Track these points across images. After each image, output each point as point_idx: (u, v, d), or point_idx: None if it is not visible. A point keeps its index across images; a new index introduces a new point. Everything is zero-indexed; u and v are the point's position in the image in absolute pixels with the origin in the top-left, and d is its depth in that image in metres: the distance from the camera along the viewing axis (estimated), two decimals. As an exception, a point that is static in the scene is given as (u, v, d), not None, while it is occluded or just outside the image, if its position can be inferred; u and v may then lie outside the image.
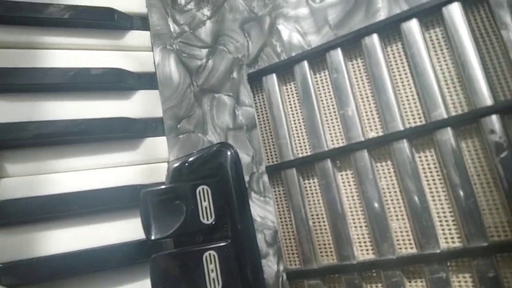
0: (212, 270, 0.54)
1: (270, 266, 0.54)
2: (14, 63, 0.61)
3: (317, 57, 0.55)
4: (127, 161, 0.64)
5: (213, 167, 0.59)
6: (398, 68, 0.50)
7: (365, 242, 0.50)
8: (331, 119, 0.53)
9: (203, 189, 0.57)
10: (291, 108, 0.56)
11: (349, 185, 0.51)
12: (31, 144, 0.59)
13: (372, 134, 0.50)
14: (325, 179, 0.52)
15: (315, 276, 0.51)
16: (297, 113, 0.56)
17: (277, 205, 0.56)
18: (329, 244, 0.52)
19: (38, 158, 0.60)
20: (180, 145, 0.64)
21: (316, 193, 0.53)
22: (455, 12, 0.46)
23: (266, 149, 0.58)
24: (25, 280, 0.54)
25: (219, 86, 0.61)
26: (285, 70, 0.57)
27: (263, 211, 0.55)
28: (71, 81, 0.63)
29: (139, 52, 0.70)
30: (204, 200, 0.57)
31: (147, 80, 0.69)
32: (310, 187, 0.54)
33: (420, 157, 0.47)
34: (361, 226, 0.50)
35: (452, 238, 0.44)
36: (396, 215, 0.48)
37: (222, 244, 0.55)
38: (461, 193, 0.44)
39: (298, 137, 0.55)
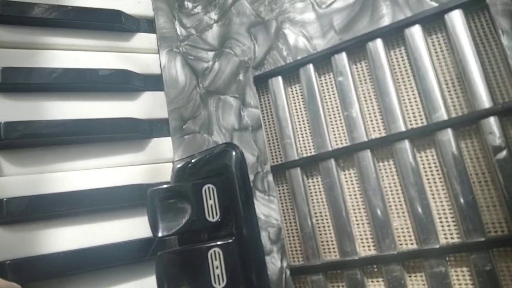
0: (217, 267, 0.55)
1: (274, 263, 0.55)
2: (23, 63, 0.62)
3: (323, 61, 0.56)
4: (132, 161, 0.66)
5: (218, 166, 0.60)
6: (401, 71, 0.52)
7: (367, 238, 0.51)
8: (335, 120, 0.55)
9: (209, 187, 0.59)
10: (296, 109, 0.58)
11: (352, 184, 0.53)
12: (38, 143, 0.60)
13: (375, 135, 0.52)
14: (329, 178, 0.54)
15: (318, 272, 0.53)
16: (301, 114, 0.58)
17: (281, 203, 0.58)
18: (331, 241, 0.53)
19: (45, 157, 0.61)
20: (185, 145, 0.65)
21: (320, 191, 0.55)
22: (456, 19, 0.48)
23: (271, 149, 0.59)
24: (30, 277, 0.54)
25: (225, 88, 0.63)
26: (291, 72, 0.59)
27: (267, 209, 0.57)
28: (78, 82, 0.65)
29: (146, 54, 0.72)
30: (210, 199, 0.58)
31: (153, 82, 0.71)
32: (314, 186, 0.55)
33: (421, 157, 0.49)
34: (363, 223, 0.52)
35: (451, 234, 0.46)
36: (398, 213, 0.50)
37: (227, 241, 0.56)
38: (460, 191, 0.46)
39: (303, 137, 0.57)
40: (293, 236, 0.56)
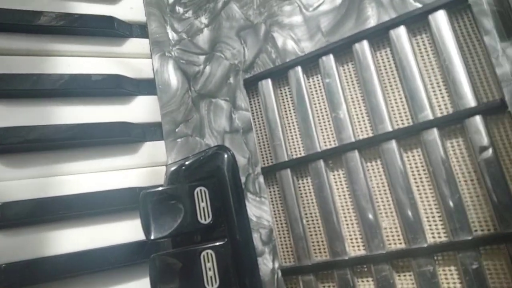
0: (210, 269, 0.56)
1: (266, 264, 0.56)
2: (16, 69, 0.63)
3: (310, 63, 0.57)
4: (126, 165, 0.66)
5: (210, 169, 0.61)
6: (386, 72, 0.52)
7: (356, 238, 0.52)
8: (324, 122, 0.56)
9: (200, 190, 0.59)
10: (285, 111, 0.59)
11: (341, 184, 0.53)
12: (33, 148, 0.61)
13: (362, 135, 0.53)
14: (318, 179, 0.54)
15: (309, 272, 0.53)
16: (291, 116, 0.58)
17: (272, 204, 0.58)
18: (322, 241, 0.54)
19: (40, 162, 0.61)
20: (178, 148, 0.66)
21: (310, 192, 0.55)
22: (440, 20, 0.48)
23: (261, 151, 0.60)
24: (25, 281, 0.55)
25: (216, 91, 0.64)
26: (280, 75, 0.59)
27: (259, 210, 0.57)
28: (71, 87, 0.65)
29: (138, 59, 0.72)
30: (202, 201, 0.59)
31: (146, 86, 0.71)
32: (304, 187, 0.56)
33: (408, 156, 0.50)
34: (352, 223, 0.52)
35: (438, 233, 0.47)
36: (386, 212, 0.50)
37: (219, 243, 0.57)
38: (447, 190, 0.46)
39: (292, 139, 0.58)
40: (285, 237, 0.57)
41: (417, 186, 0.49)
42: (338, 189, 0.54)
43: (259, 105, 0.61)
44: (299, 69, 0.57)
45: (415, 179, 0.49)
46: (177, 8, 0.71)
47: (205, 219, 0.58)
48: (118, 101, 0.69)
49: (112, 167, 0.65)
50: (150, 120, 0.69)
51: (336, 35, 0.55)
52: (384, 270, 0.48)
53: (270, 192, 0.58)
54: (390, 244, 0.49)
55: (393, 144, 0.50)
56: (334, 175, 0.54)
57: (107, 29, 0.71)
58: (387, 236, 0.50)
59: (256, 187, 0.58)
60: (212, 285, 0.55)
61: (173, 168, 0.65)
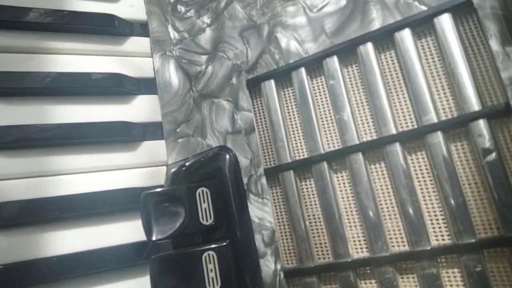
0: (211, 270, 0.55)
1: (268, 266, 0.56)
2: (17, 67, 0.62)
3: (314, 64, 0.57)
4: (126, 164, 0.66)
5: (212, 169, 0.60)
6: (391, 74, 0.52)
7: (359, 240, 0.52)
8: (327, 123, 0.56)
9: (202, 191, 0.59)
10: (288, 112, 0.59)
11: (345, 187, 0.53)
12: (32, 147, 0.60)
13: (366, 138, 0.53)
14: (321, 180, 0.54)
15: (312, 274, 0.53)
16: (294, 118, 0.58)
17: (275, 206, 0.58)
18: (324, 243, 0.54)
19: (39, 161, 0.60)
20: (179, 148, 0.66)
21: (313, 194, 0.55)
22: (445, 23, 0.48)
23: (264, 152, 0.60)
24: (23, 282, 0.54)
25: (218, 91, 0.63)
26: (283, 76, 0.59)
27: (261, 212, 0.57)
28: (71, 86, 0.65)
29: (139, 58, 0.72)
30: (204, 202, 0.58)
31: (146, 85, 0.71)
32: (307, 188, 0.56)
33: (412, 159, 0.50)
34: (355, 226, 0.52)
35: (442, 235, 0.47)
36: (389, 215, 0.50)
37: (221, 244, 0.56)
38: (451, 193, 0.46)
39: (295, 140, 0.58)
40: (287, 239, 0.57)
41: (421, 189, 0.49)
42: (341, 191, 0.54)
43: (261, 106, 0.61)
44: (302, 70, 0.57)
45: (419, 181, 0.49)
46: (179, 7, 0.70)
47: (207, 220, 0.58)
48: (118, 100, 0.68)
49: (112, 167, 0.65)
50: (151, 120, 0.69)
51: (340, 36, 0.55)
52: (387, 273, 0.49)
53: (272, 193, 0.58)
54: (393, 246, 0.49)
55: (397, 146, 0.50)
56: (337, 177, 0.54)
57: (107, 28, 0.70)
58: (391, 238, 0.50)
59: (258, 188, 0.58)
60: (214, 287, 0.55)
61: (174, 169, 0.65)
